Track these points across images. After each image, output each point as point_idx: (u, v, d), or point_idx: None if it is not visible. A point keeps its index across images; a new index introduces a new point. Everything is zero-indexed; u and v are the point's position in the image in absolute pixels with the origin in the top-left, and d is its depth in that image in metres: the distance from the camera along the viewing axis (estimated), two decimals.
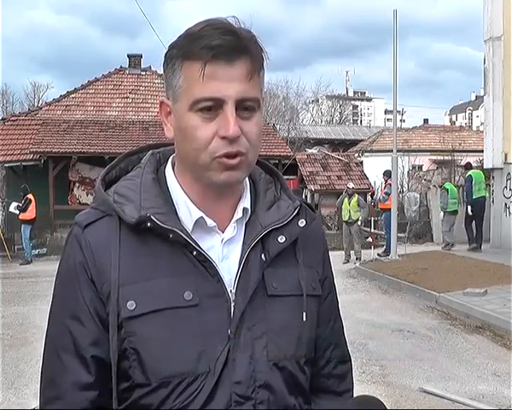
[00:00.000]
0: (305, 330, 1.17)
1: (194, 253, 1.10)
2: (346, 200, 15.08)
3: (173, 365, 1.07)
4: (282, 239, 1.15)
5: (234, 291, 1.11)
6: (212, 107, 1.06)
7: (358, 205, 15.04)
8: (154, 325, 1.08)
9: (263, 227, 1.14)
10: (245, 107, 1.08)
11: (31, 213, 16.24)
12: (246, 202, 1.17)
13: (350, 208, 14.97)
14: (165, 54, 1.12)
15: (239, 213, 1.16)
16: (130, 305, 1.08)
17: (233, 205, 1.17)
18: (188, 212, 1.14)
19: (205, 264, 1.10)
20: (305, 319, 1.16)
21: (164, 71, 1.13)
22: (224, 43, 1.05)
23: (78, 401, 1.10)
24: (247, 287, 1.11)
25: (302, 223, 1.18)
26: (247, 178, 1.20)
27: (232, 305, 1.10)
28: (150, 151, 1.23)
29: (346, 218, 15.10)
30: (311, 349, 1.20)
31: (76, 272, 1.13)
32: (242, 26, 1.10)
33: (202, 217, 1.13)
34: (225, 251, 1.14)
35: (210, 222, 1.13)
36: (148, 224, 1.09)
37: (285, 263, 1.17)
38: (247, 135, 1.08)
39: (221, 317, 1.10)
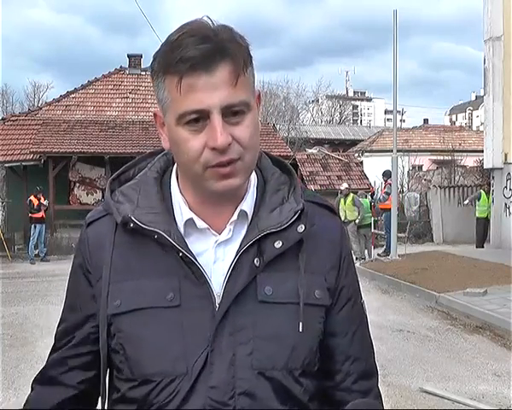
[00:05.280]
0: (301, 341, 1.11)
1: (181, 254, 1.09)
2: (342, 200, 15.14)
3: (153, 364, 1.08)
4: (278, 244, 1.11)
5: (221, 294, 1.09)
6: (199, 118, 1.04)
7: (354, 204, 15.06)
8: (136, 323, 1.10)
9: (259, 230, 1.11)
10: (233, 112, 1.04)
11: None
12: (245, 205, 1.14)
13: (345, 208, 14.99)
14: (151, 65, 1.10)
15: (234, 216, 1.13)
16: (116, 302, 1.11)
17: (233, 207, 1.14)
18: (180, 213, 1.14)
19: (191, 266, 1.09)
20: (300, 330, 1.10)
21: (152, 83, 1.11)
22: (200, 52, 1.01)
23: (69, 382, 1.19)
24: (233, 290, 1.09)
25: (301, 228, 1.13)
26: (254, 178, 1.18)
27: (217, 308, 1.08)
28: (165, 151, 1.22)
29: (342, 218, 15.11)
30: (310, 361, 1.14)
31: (75, 269, 1.20)
32: (217, 25, 1.06)
33: (192, 218, 1.12)
34: (219, 253, 1.12)
35: (200, 224, 1.12)
36: (131, 224, 1.11)
37: (285, 268, 1.13)
38: (240, 140, 1.05)
39: (203, 319, 1.08)
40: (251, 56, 1.09)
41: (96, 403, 1.25)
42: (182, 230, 1.12)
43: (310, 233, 1.15)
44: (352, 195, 15.29)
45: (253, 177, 1.18)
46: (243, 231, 1.13)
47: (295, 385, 1.12)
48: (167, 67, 1.05)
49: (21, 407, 1.22)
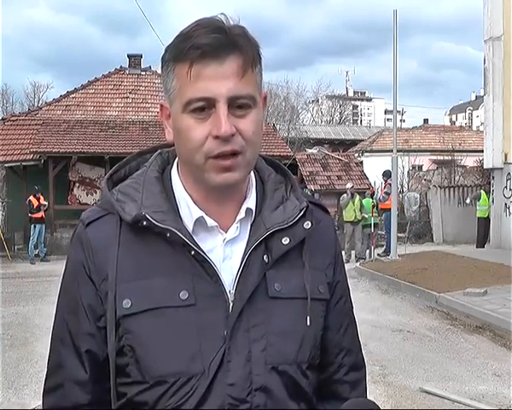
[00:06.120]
0: (308, 335, 1.14)
1: (193, 252, 1.09)
2: (351, 201, 15.27)
3: (167, 364, 1.07)
4: (285, 241, 1.13)
5: (233, 292, 1.09)
6: (205, 107, 1.05)
7: (360, 204, 15.34)
8: (149, 323, 1.08)
9: (266, 228, 1.12)
10: (239, 105, 1.06)
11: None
12: (250, 203, 1.15)
13: (354, 208, 15.25)
14: (162, 57, 1.12)
15: (241, 214, 1.14)
16: (126, 303, 1.08)
17: (237, 205, 1.15)
18: (188, 211, 1.13)
19: (203, 264, 1.09)
20: (308, 324, 1.13)
21: (161, 74, 1.13)
22: (212, 41, 1.03)
23: (75, 393, 1.13)
24: (246, 288, 1.10)
25: (308, 225, 1.15)
26: (253, 178, 1.19)
27: (230, 306, 1.09)
28: (159, 150, 1.22)
29: (352, 218, 15.26)
30: (314, 354, 1.17)
31: (76, 270, 1.14)
32: (232, 22, 1.08)
33: (202, 216, 1.12)
34: (227, 251, 1.13)
35: (210, 222, 1.12)
36: (144, 222, 1.09)
37: (290, 265, 1.15)
38: (243, 133, 1.06)
39: (218, 317, 1.08)
40: (260, 56, 1.11)
41: None
42: (190, 228, 1.11)
43: (311, 230, 1.17)
44: (357, 195, 15.49)
45: (253, 177, 1.19)
46: (248, 230, 1.14)
47: (303, 378, 1.14)
48: (178, 55, 1.06)
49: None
